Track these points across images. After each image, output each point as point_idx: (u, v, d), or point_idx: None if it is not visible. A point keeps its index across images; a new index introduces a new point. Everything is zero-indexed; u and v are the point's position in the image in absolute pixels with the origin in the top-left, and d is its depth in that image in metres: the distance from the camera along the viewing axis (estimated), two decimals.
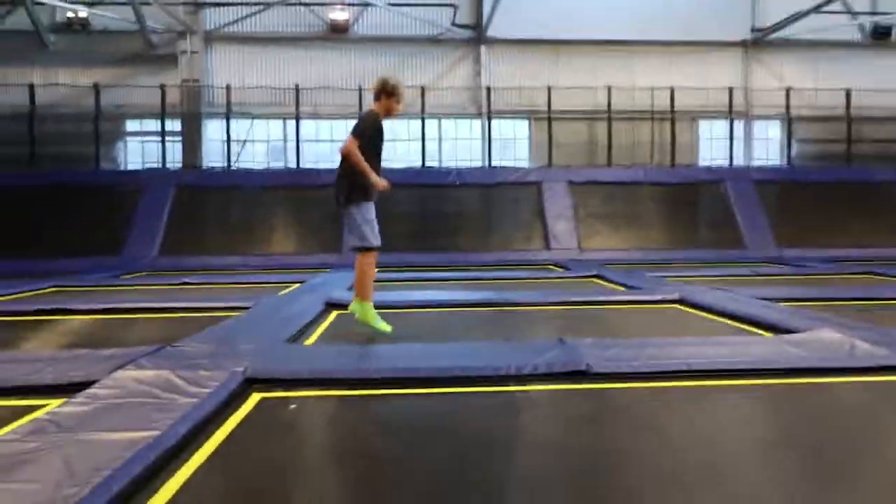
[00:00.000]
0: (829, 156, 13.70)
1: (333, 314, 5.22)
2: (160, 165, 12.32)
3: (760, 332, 4.16)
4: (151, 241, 10.67)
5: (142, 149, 13.43)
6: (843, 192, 11.98)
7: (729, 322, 4.60)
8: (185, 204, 11.29)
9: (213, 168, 12.75)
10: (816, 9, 12.79)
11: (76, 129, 12.53)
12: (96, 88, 12.27)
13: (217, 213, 11.43)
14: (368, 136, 3.89)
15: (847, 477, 1.95)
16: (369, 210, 3.97)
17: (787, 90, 13.47)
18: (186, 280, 7.76)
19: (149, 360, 3.07)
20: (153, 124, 13.03)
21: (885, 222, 11.62)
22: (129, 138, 13.54)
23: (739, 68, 14.13)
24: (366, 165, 3.80)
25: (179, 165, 12.71)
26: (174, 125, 12.89)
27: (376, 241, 4.01)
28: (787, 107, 13.44)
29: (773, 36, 13.78)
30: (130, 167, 13.29)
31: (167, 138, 12.46)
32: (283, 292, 6.56)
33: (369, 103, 4.24)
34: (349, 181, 3.92)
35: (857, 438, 2.29)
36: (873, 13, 14.23)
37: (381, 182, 3.90)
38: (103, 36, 13.04)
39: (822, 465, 2.03)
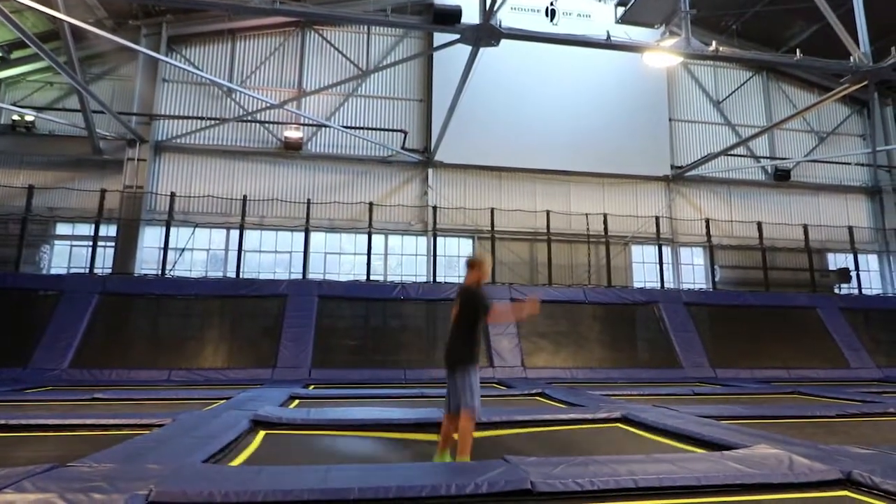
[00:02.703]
0: (749, 282, 14.76)
1: (261, 433, 4.80)
2: (87, 271, 11.71)
3: (702, 448, 4.13)
4: (64, 351, 9.75)
5: (69, 253, 12.80)
6: (766, 316, 12.74)
7: (671, 440, 4.57)
8: (108, 312, 10.55)
9: (144, 275, 12.19)
10: (724, 152, 14.58)
11: (2, 231, 11.93)
12: (30, 190, 11.91)
13: (142, 322, 10.74)
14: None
15: None
16: (476, 374, 3.96)
17: (707, 221, 14.79)
18: (97, 395, 7.05)
19: (34, 483, 2.64)
20: (86, 228, 12.59)
21: (805, 345, 12.31)
22: (57, 242, 12.95)
23: (664, 200, 15.48)
24: (508, 308, 4.38)
25: (109, 272, 12.12)
26: (109, 230, 12.50)
27: (478, 406, 3.87)
28: (708, 235, 14.65)
29: (691, 173, 15.36)
30: (54, 272, 12.54)
31: (100, 244, 11.99)
32: (207, 408, 6.03)
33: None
34: (463, 345, 3.99)
35: None
36: (772, 158, 16.24)
37: (527, 303, 4.02)
38: (48, 139, 12.95)
39: None
